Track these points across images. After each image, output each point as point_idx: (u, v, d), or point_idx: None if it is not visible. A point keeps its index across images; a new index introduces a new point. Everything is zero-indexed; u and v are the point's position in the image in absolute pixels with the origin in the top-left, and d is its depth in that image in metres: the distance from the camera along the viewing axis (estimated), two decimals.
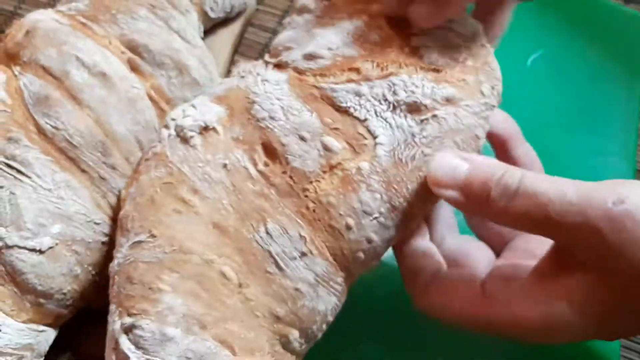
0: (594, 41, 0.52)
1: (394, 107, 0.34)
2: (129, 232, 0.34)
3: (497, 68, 0.37)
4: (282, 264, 0.33)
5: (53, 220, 0.38)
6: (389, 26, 0.36)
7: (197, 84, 0.45)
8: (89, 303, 0.42)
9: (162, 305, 0.32)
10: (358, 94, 0.34)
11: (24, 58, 0.42)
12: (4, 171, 0.38)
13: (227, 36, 0.55)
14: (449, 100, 0.34)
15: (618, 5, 0.54)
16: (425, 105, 0.34)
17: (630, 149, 0.47)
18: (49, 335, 0.40)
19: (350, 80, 0.35)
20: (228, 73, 0.54)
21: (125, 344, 0.32)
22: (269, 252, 0.33)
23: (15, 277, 0.38)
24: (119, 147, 0.41)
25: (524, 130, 0.46)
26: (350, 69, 0.35)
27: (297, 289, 0.33)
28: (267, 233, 0.33)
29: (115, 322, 0.33)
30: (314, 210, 0.33)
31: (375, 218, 0.34)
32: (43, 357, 0.40)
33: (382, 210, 0.34)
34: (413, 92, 0.34)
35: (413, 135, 0.34)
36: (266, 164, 0.34)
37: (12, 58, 0.42)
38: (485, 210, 0.32)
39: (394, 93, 0.34)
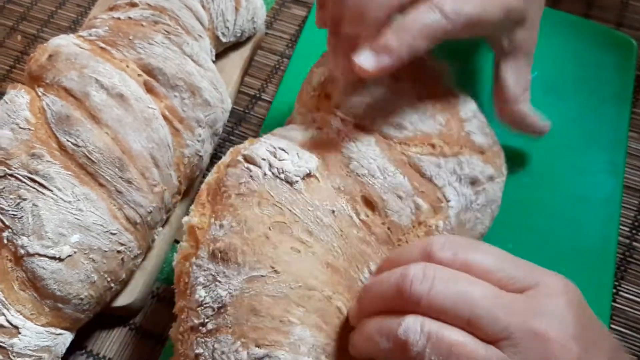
0: (586, 64, 0.54)
1: (460, 179, 0.41)
2: (240, 266, 0.35)
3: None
4: None
5: (72, 231, 0.41)
6: (444, 110, 0.42)
7: (209, 104, 0.47)
8: (105, 308, 0.44)
9: (293, 337, 0.33)
10: (438, 166, 0.40)
11: (47, 80, 0.44)
12: (28, 185, 0.41)
13: (237, 59, 0.57)
14: (490, 178, 0.42)
15: (610, 30, 0.56)
16: (480, 180, 0.41)
17: (619, 167, 0.49)
18: (66, 338, 0.42)
19: (431, 154, 0.40)
20: (238, 94, 0.57)
21: None
22: None
23: (35, 283, 0.40)
24: (135, 163, 0.43)
25: (519, 147, 0.48)
26: (429, 144, 0.41)
27: None
28: (370, 273, 0.37)
29: (240, 352, 0.33)
30: None
31: None
32: (60, 359, 0.42)
33: None
34: (472, 169, 0.41)
35: (471, 202, 0.41)
36: (366, 215, 0.38)
37: (35, 80, 0.45)
38: None
39: (461, 168, 0.41)
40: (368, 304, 0.34)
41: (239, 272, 0.35)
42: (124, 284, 0.45)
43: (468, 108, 0.44)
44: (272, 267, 0.35)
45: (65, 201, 0.41)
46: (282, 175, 0.38)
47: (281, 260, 0.35)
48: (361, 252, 0.37)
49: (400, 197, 0.39)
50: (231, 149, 0.42)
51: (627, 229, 0.47)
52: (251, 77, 0.59)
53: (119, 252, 0.43)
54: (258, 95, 0.58)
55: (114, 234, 0.42)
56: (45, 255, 0.40)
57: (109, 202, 0.42)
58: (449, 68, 0.48)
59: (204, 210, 0.39)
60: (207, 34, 0.51)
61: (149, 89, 0.46)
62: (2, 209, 0.41)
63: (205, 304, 0.35)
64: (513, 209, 0.46)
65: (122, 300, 0.46)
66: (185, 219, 0.39)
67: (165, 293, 0.48)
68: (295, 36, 0.62)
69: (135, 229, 0.44)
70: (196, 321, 0.35)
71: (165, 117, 0.45)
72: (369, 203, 0.39)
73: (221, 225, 0.37)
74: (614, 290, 0.45)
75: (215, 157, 0.53)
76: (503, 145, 0.45)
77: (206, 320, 0.35)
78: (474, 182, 0.41)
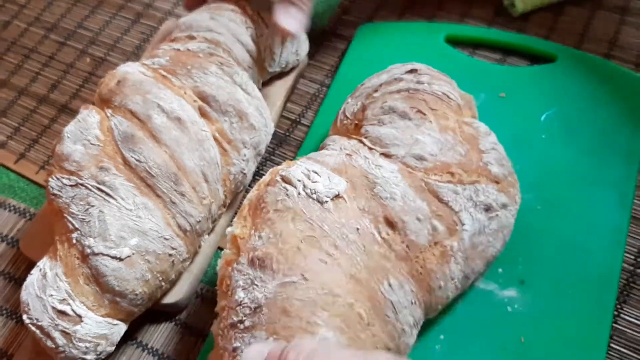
0: (602, 102, 0.57)
1: (476, 205, 0.45)
2: (275, 272, 0.40)
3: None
4: (397, 310, 0.42)
5: (132, 235, 0.46)
6: (466, 142, 0.47)
7: (254, 128, 0.53)
8: (155, 304, 0.50)
9: (318, 336, 0.38)
10: (455, 192, 0.45)
11: (115, 103, 0.50)
12: (96, 193, 0.47)
13: (281, 87, 0.62)
14: (504, 206, 0.46)
15: (629, 72, 0.59)
16: (493, 207, 0.46)
17: (629, 200, 0.52)
18: (121, 328, 0.47)
19: (449, 181, 0.45)
20: (280, 118, 0.63)
21: None
22: (390, 300, 0.42)
23: (98, 279, 0.45)
24: (188, 178, 0.49)
25: (533, 176, 0.52)
26: (448, 172, 0.45)
27: (403, 329, 0.42)
28: (390, 286, 0.42)
29: None
30: (420, 273, 0.43)
31: (454, 282, 0.45)
32: (114, 347, 0.47)
33: (460, 277, 0.45)
34: (487, 197, 0.46)
35: (484, 227, 0.45)
36: (387, 234, 0.43)
37: (105, 102, 0.51)
38: None
39: (477, 196, 0.45)
40: None
41: (274, 277, 0.39)
42: (173, 283, 0.51)
43: (488, 140, 0.48)
44: (302, 275, 0.39)
45: (127, 209, 0.46)
46: (314, 195, 0.43)
47: (310, 269, 0.40)
48: (382, 266, 0.42)
49: (419, 219, 0.43)
50: (271, 170, 0.47)
51: (632, 256, 0.51)
52: (293, 103, 0.65)
53: (170, 255, 0.48)
54: (298, 119, 0.64)
55: (167, 239, 0.48)
56: (108, 255, 0.45)
57: (164, 212, 0.48)
58: (474, 101, 0.52)
59: (246, 223, 0.43)
60: (255, 65, 0.57)
61: (203, 114, 0.51)
62: (73, 213, 0.46)
63: (244, 303, 0.39)
64: (524, 235, 0.50)
65: (170, 298, 0.51)
66: (229, 229, 0.44)
67: (208, 293, 0.54)
68: (335, 67, 0.67)
69: (185, 235, 0.49)
70: (235, 319, 0.39)
71: (215, 139, 0.51)
72: (390, 223, 0.43)
73: (260, 236, 0.41)
74: (616, 313, 0.48)
75: (257, 175, 0.59)
76: (519, 175, 0.49)
77: (244, 318, 0.39)
78: (488, 208, 0.45)
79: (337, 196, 0.43)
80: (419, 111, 0.48)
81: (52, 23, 0.76)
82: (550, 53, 0.62)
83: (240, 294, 0.40)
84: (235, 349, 0.39)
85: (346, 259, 0.41)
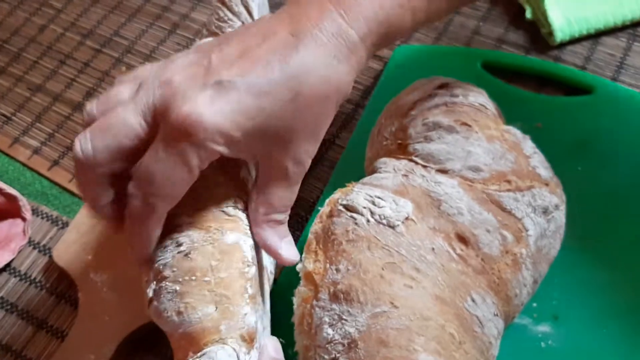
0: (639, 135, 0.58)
1: (535, 210, 0.45)
2: (363, 304, 0.39)
3: None
4: (482, 324, 0.42)
5: None
6: (511, 149, 0.47)
7: None
8: None
9: None
10: (516, 200, 0.45)
11: None
12: None
13: None
14: (557, 206, 0.47)
15: None
16: (549, 209, 0.46)
17: None
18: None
19: (508, 190, 0.45)
20: None
21: None
22: (476, 316, 0.42)
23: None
24: None
25: (569, 208, 0.52)
26: (505, 181, 0.46)
27: (490, 342, 0.42)
28: (473, 301, 0.42)
29: None
30: (497, 284, 0.43)
31: (527, 289, 0.45)
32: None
33: (530, 282, 0.46)
34: (543, 200, 0.46)
35: (544, 230, 0.46)
36: (461, 249, 0.43)
37: None
38: None
39: (535, 200, 0.46)
40: None
41: (363, 309, 0.39)
42: None
43: (528, 145, 0.49)
44: (392, 303, 0.39)
45: None
46: (384, 221, 0.42)
47: (398, 296, 0.39)
48: (462, 283, 0.42)
49: (488, 231, 0.44)
50: (327, 200, 0.45)
51: None
52: None
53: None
54: (332, 140, 0.64)
55: None
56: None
57: None
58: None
59: (317, 257, 0.42)
60: None
61: None
62: None
63: (335, 340, 0.39)
64: (559, 270, 0.50)
65: None
66: (299, 266, 0.43)
67: None
68: (370, 88, 0.67)
69: None
70: (327, 357, 0.39)
71: None
72: (462, 239, 0.43)
73: (337, 270, 0.41)
74: None
75: None
76: None
77: (337, 355, 0.38)
78: (545, 211, 0.46)
79: (407, 218, 0.43)
80: (464, 123, 0.47)
81: (88, 29, 0.76)
82: (587, 85, 0.62)
83: (328, 331, 0.39)
84: None
85: (429, 280, 0.41)
